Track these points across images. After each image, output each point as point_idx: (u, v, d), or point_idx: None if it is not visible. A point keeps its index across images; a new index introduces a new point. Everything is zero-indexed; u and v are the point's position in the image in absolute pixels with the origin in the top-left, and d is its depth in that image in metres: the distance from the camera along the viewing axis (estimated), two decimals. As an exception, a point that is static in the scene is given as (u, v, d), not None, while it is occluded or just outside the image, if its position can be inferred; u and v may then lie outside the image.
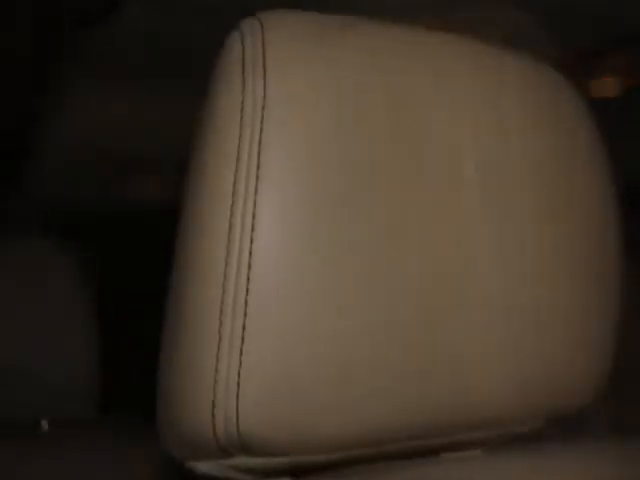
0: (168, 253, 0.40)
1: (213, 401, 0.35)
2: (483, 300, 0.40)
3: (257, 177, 0.35)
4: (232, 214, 0.35)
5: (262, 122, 0.35)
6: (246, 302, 0.35)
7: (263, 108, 0.36)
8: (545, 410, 0.44)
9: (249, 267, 0.35)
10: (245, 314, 0.35)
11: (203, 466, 0.38)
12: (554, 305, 0.43)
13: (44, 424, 0.98)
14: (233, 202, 0.35)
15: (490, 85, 0.42)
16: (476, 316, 0.40)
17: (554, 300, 0.43)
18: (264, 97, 0.36)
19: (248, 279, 0.35)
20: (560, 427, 0.46)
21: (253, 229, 0.35)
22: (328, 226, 0.36)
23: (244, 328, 0.35)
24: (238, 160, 0.36)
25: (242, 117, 0.36)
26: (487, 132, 0.41)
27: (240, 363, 0.35)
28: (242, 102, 0.36)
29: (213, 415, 0.35)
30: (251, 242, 0.35)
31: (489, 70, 0.43)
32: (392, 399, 0.38)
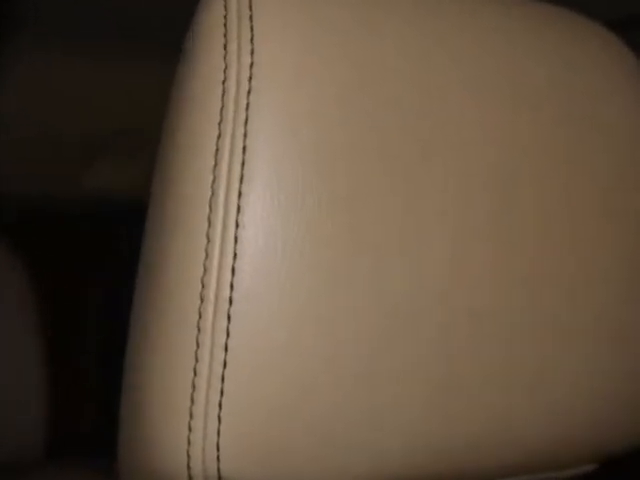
0: (134, 258, 0.38)
1: (189, 438, 0.33)
2: (525, 318, 0.38)
3: (243, 162, 0.34)
4: (212, 208, 0.34)
5: (249, 96, 0.34)
6: (229, 317, 0.33)
7: (250, 78, 0.34)
8: (598, 451, 0.42)
9: (233, 273, 0.34)
10: (228, 332, 0.33)
11: None
12: (612, 325, 0.40)
13: (-19, 469, 0.97)
14: (213, 193, 0.34)
15: (529, 46, 0.40)
16: (517, 338, 0.38)
17: (614, 319, 0.40)
18: (251, 65, 0.34)
19: (232, 288, 0.33)
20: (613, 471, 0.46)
21: (238, 226, 0.34)
22: (331, 220, 0.35)
23: (226, 349, 0.33)
24: (219, 141, 0.34)
25: (224, 90, 0.34)
26: (520, 106, 0.39)
27: (222, 392, 0.33)
28: (224, 71, 0.34)
29: (188, 455, 0.34)
30: (235, 242, 0.34)
31: (527, 29, 0.40)
32: (408, 437, 0.36)
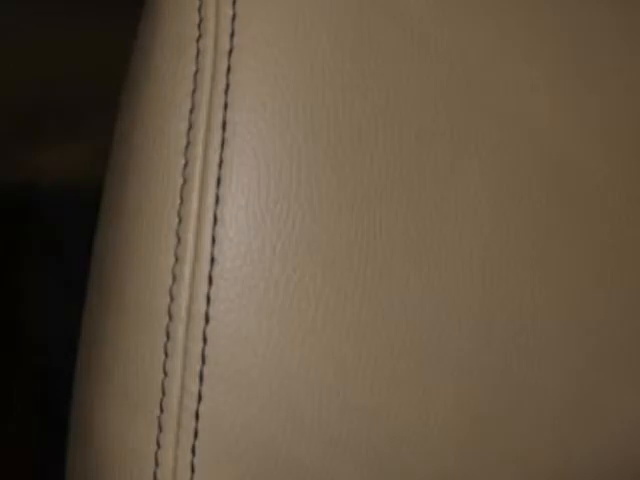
0: (84, 260, 0.37)
1: None
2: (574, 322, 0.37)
3: (222, 142, 0.33)
4: (183, 200, 0.33)
5: (231, 57, 0.33)
6: (205, 338, 0.33)
7: (232, 35, 0.33)
8: None
9: (210, 282, 0.33)
10: (203, 357, 0.33)
11: None
12: None
13: None
14: (185, 181, 0.33)
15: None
16: (559, 353, 0.37)
17: None
18: (233, 17, 0.33)
19: (208, 301, 0.33)
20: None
21: (216, 221, 0.33)
22: (335, 213, 0.34)
23: (202, 379, 0.33)
24: (193, 115, 0.33)
25: (200, 50, 0.33)
26: (568, 67, 0.38)
27: (195, 434, 0.33)
28: (199, 26, 0.33)
29: None
30: (213, 242, 0.33)
31: None
32: (426, 475, 0.35)
